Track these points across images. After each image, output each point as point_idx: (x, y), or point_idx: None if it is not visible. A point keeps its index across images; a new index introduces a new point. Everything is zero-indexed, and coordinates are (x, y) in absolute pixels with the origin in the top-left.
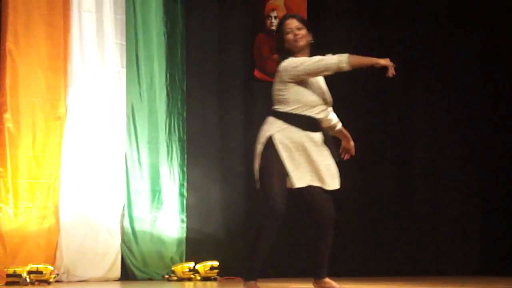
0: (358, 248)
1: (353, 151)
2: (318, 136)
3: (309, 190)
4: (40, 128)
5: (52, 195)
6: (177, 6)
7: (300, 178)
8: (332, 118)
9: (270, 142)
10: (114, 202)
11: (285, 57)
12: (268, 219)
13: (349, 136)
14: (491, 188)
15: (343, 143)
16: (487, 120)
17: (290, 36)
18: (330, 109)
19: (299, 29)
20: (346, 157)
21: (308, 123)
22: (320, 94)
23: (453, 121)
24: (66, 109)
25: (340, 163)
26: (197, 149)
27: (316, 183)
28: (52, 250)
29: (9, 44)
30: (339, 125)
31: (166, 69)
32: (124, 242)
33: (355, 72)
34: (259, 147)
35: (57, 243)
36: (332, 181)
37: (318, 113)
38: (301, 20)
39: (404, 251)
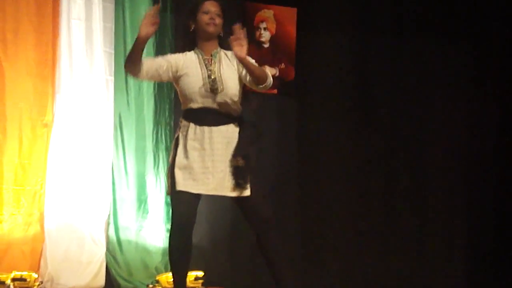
0: (346, 264)
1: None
2: (220, 131)
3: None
4: (26, 135)
5: (37, 203)
6: (166, 16)
7: (182, 183)
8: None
9: (175, 143)
10: (99, 211)
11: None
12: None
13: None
14: (478, 216)
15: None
16: (474, 143)
17: (202, 19)
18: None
19: (217, 15)
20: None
21: (205, 117)
22: (201, 85)
23: (440, 142)
24: (53, 116)
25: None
26: None
27: (210, 192)
28: (36, 258)
29: None
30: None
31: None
32: (109, 250)
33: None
34: None
35: (41, 250)
36: (238, 188)
37: (211, 105)
38: (222, 7)
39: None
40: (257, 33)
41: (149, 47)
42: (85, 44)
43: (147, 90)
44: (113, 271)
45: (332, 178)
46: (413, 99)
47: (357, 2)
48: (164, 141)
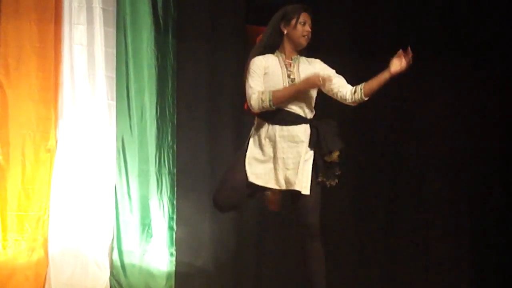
0: (347, 278)
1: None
2: (292, 131)
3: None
4: (30, 160)
5: (41, 228)
6: (168, 39)
7: (254, 173)
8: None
9: (248, 141)
10: (103, 235)
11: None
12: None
13: (383, 76)
14: (483, 228)
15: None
16: (477, 145)
17: (297, 31)
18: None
19: (310, 26)
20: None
21: (278, 117)
22: (281, 84)
23: (441, 146)
24: (56, 142)
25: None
26: (187, 183)
27: (272, 185)
28: (40, 283)
29: (0, 77)
30: (342, 92)
31: (157, 102)
32: (113, 275)
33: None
34: None
35: (45, 276)
36: (297, 183)
37: (287, 105)
38: (312, 20)
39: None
40: None
41: (150, 70)
42: (87, 69)
43: (150, 114)
44: None
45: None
46: (415, 113)
47: (357, 26)
48: (167, 165)
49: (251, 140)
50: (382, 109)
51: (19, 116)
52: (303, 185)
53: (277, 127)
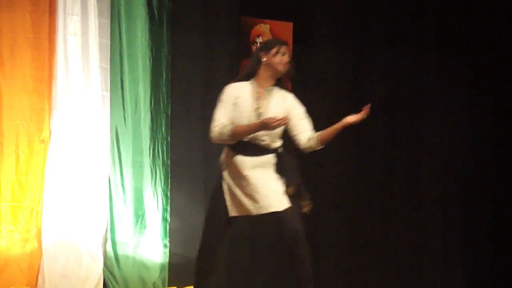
0: (340, 280)
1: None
2: (256, 162)
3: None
4: (23, 151)
5: (35, 219)
6: (162, 31)
7: (232, 207)
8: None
9: (220, 168)
10: (97, 226)
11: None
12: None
13: (338, 126)
14: (476, 228)
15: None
16: (471, 148)
17: (275, 59)
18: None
19: (289, 58)
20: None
21: (243, 148)
22: (247, 117)
23: (436, 150)
24: (50, 132)
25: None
26: (181, 174)
27: (245, 213)
28: (34, 274)
29: None
30: (303, 137)
31: (151, 94)
32: (107, 266)
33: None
34: None
35: (39, 266)
36: (271, 205)
37: (252, 137)
38: (289, 51)
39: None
40: (254, 48)
41: (145, 61)
42: (82, 60)
43: (144, 106)
44: (110, 286)
45: (329, 189)
46: (409, 109)
47: (352, 16)
48: (161, 156)
49: (224, 174)
50: (378, 108)
51: (12, 106)
52: (277, 204)
53: (243, 157)
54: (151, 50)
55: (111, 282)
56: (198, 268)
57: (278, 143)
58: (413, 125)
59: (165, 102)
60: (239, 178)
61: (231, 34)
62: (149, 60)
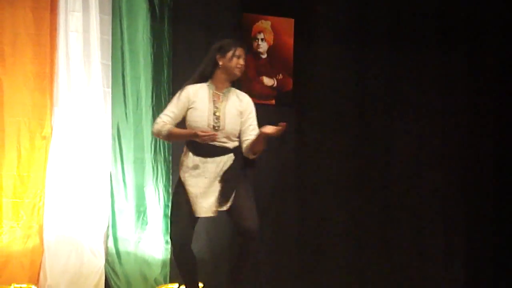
0: (345, 273)
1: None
2: (214, 162)
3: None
4: (25, 147)
5: (36, 215)
6: (164, 27)
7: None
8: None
9: (180, 168)
10: (98, 223)
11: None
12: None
13: (257, 136)
14: (477, 227)
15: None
16: (472, 147)
17: (231, 64)
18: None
19: (243, 59)
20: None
21: (201, 149)
22: (205, 121)
23: (437, 149)
24: (52, 129)
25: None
26: None
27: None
28: (35, 270)
29: None
30: (249, 140)
31: (153, 90)
32: (108, 262)
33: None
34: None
35: (41, 263)
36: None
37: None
38: (246, 53)
39: (391, 279)
40: (255, 44)
41: (146, 57)
42: (83, 56)
43: (146, 102)
44: (112, 283)
45: (330, 187)
46: (411, 107)
47: (354, 12)
48: (162, 152)
49: (185, 175)
50: (379, 104)
51: (14, 103)
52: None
53: (200, 158)
54: (153, 47)
55: (112, 278)
56: (181, 267)
57: (234, 143)
58: (414, 123)
59: (167, 98)
60: (195, 177)
61: (233, 30)
62: (151, 56)
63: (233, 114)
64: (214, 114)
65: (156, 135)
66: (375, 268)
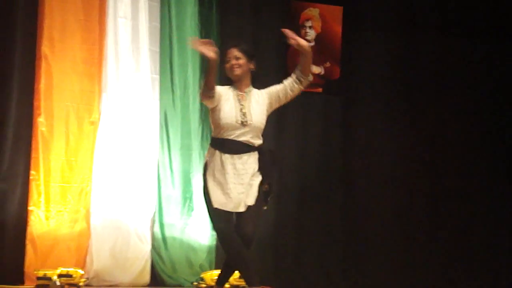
0: (389, 263)
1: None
2: (241, 159)
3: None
4: (73, 132)
5: (83, 200)
6: (212, 14)
7: (218, 202)
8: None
9: (205, 167)
10: (145, 208)
11: (226, 84)
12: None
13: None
14: None
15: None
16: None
17: (227, 66)
18: (256, 131)
19: (237, 58)
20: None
21: (229, 147)
22: (233, 117)
23: (486, 141)
24: (100, 115)
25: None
26: None
27: (232, 209)
28: (82, 254)
29: (45, 49)
30: (288, 86)
31: (200, 77)
32: (154, 248)
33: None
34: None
35: (87, 247)
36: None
37: (238, 136)
38: (242, 50)
39: (436, 269)
40: (303, 32)
41: None
42: (131, 43)
43: (193, 89)
44: (158, 268)
45: (377, 175)
46: (459, 96)
47: (402, 0)
48: (209, 139)
49: (208, 172)
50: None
51: (63, 88)
52: (251, 199)
53: (227, 156)
54: (201, 33)
55: (158, 264)
56: (231, 252)
57: (259, 141)
58: (463, 113)
59: None
60: (222, 174)
61: (280, 17)
62: None
63: (258, 110)
64: (241, 111)
65: (202, 96)
66: (420, 258)
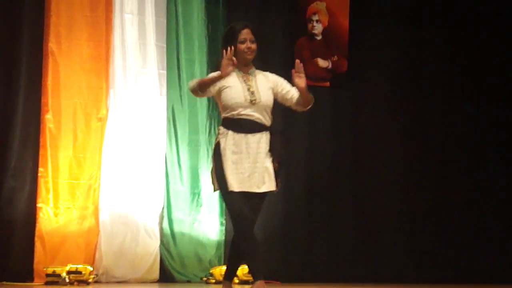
0: (398, 254)
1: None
2: (255, 138)
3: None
4: (81, 129)
5: (92, 196)
6: (218, 9)
7: (235, 183)
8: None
9: (217, 148)
10: (153, 204)
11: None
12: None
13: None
14: None
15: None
16: None
17: (242, 46)
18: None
19: (252, 41)
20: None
21: (242, 126)
22: (242, 96)
23: (494, 135)
24: (107, 111)
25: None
26: None
27: (247, 189)
28: (91, 251)
29: (51, 45)
30: (295, 96)
31: (207, 72)
32: (163, 243)
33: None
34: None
35: (96, 243)
36: (265, 184)
37: (249, 114)
38: (254, 32)
39: (445, 259)
40: (310, 25)
41: (201, 39)
42: (138, 39)
43: None
44: (167, 263)
45: (385, 169)
46: (470, 90)
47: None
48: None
49: (222, 152)
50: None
51: (70, 85)
52: (272, 184)
53: (241, 135)
54: (207, 28)
55: (167, 259)
56: (243, 236)
57: (269, 120)
58: (473, 105)
59: None
60: (236, 154)
61: (287, 11)
62: (205, 38)
63: (265, 88)
64: (248, 90)
65: (191, 90)
66: (429, 252)
